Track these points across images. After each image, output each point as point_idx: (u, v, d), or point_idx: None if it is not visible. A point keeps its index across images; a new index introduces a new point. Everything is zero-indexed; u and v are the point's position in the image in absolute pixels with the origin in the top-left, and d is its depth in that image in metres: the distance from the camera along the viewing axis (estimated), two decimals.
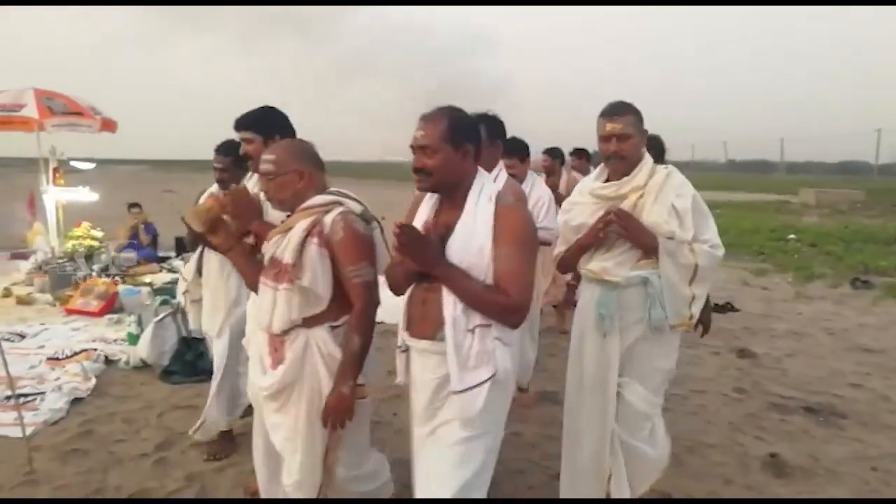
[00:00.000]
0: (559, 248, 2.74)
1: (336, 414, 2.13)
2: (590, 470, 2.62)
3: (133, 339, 4.88)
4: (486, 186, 2.02)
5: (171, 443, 3.56)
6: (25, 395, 3.96)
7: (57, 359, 4.66)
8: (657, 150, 3.08)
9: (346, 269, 2.15)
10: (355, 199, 2.32)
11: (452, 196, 2.03)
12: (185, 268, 3.65)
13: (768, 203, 21.57)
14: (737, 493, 3.15)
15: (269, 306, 2.20)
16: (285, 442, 2.28)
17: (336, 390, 2.13)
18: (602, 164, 2.63)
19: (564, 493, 2.74)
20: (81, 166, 8.66)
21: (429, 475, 2.03)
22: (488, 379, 1.93)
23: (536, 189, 4.09)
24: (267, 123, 2.73)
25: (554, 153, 5.94)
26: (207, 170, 3.68)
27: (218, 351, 3.28)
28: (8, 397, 3.55)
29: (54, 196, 7.88)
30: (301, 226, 2.16)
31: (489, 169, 2.89)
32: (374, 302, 2.20)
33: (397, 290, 2.14)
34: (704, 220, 2.49)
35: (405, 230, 1.89)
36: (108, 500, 3.03)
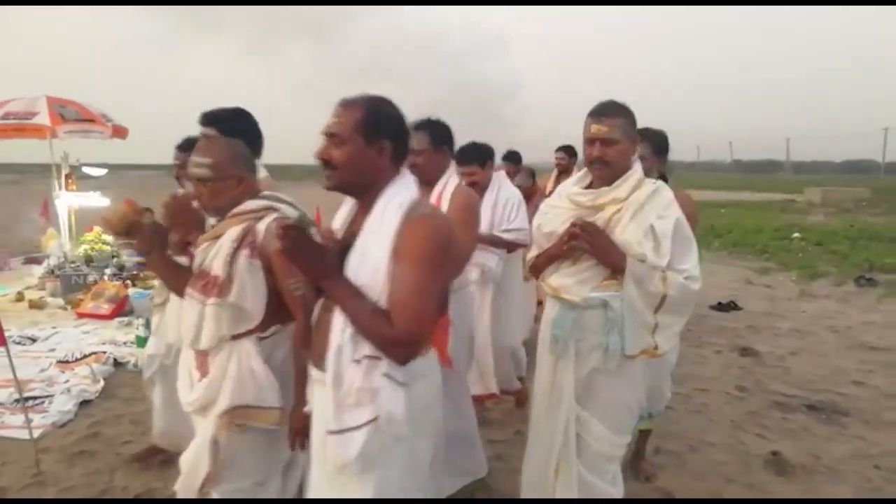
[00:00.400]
0: (532, 253, 2.51)
1: (300, 435, 1.95)
2: (534, 492, 2.46)
3: (141, 342, 4.92)
4: (401, 193, 1.67)
5: None
6: (34, 398, 4.01)
7: (67, 362, 4.71)
8: (660, 147, 3.00)
9: (285, 282, 1.95)
10: (290, 204, 2.12)
11: (363, 200, 1.73)
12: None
13: (774, 202, 21.50)
14: (738, 492, 3.17)
15: (195, 321, 2.00)
16: (188, 454, 2.08)
17: (298, 409, 1.93)
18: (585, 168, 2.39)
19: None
20: (93, 172, 8.74)
21: None
22: (367, 423, 1.59)
23: (504, 191, 3.87)
24: (234, 125, 2.42)
25: (570, 151, 5.89)
26: None
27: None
28: (17, 400, 3.60)
29: (67, 201, 7.98)
30: (231, 235, 1.97)
31: (436, 177, 2.84)
32: None
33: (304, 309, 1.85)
34: (686, 247, 2.23)
35: (289, 232, 1.61)
36: (112, 500, 3.08)
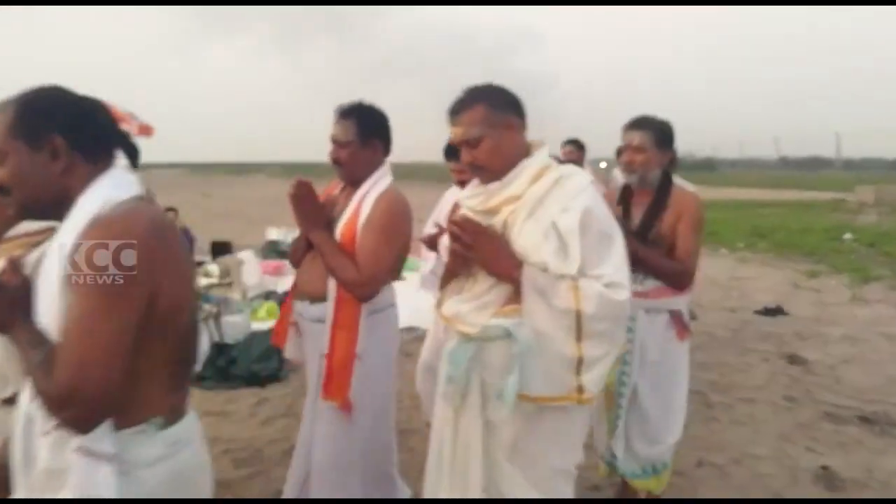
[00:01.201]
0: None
1: None
2: None
3: None
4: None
5: None
6: None
7: None
8: (662, 139, 2.62)
9: None
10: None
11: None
12: None
13: (822, 201, 20.89)
14: None
15: None
16: None
17: None
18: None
19: None
20: None
21: None
22: None
23: (451, 191, 3.53)
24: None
25: (578, 144, 5.34)
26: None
27: None
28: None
29: None
30: None
31: (362, 176, 2.35)
32: None
33: None
34: (604, 244, 1.70)
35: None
36: (112, 500, 3.07)
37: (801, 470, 3.36)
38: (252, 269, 6.92)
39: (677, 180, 2.69)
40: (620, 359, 2.42)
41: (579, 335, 1.64)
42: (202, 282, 7.44)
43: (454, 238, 1.78)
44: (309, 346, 2.43)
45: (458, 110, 1.78)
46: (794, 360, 5.20)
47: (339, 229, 2.31)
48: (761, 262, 10.08)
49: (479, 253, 1.75)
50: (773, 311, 6.78)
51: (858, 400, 4.34)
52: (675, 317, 2.70)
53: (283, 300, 6.17)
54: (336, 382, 2.26)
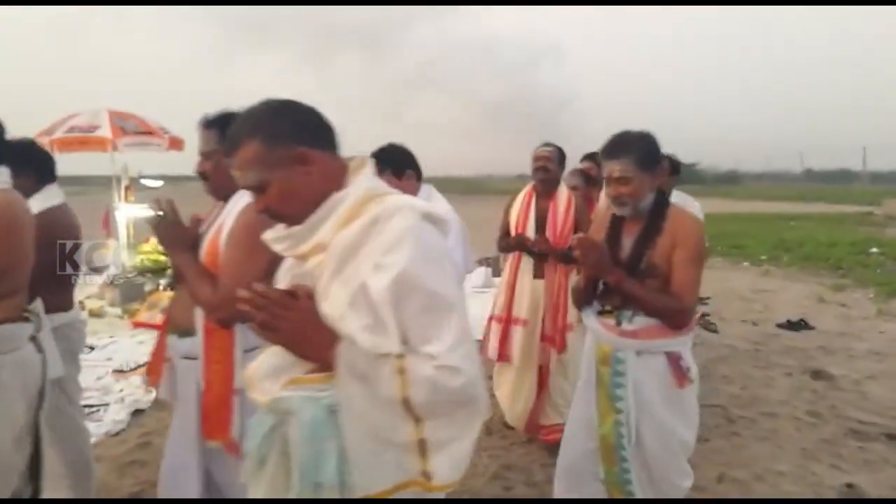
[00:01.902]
0: None
1: None
2: None
3: None
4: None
5: None
6: (90, 406, 4.08)
7: (122, 371, 4.81)
8: (646, 160, 2.25)
9: None
10: None
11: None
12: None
13: (848, 215, 20.53)
14: None
15: None
16: None
17: None
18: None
19: None
20: (151, 184, 9.04)
21: None
22: None
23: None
24: None
25: (596, 158, 4.92)
26: None
27: None
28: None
29: (125, 213, 8.26)
30: None
31: (236, 186, 1.83)
32: None
33: None
34: (433, 315, 1.26)
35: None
36: (111, 500, 3.10)
37: (826, 487, 3.26)
38: None
39: (677, 198, 2.42)
40: (613, 409, 2.29)
41: (417, 418, 1.27)
42: None
43: (255, 307, 1.27)
44: (181, 386, 2.16)
45: (229, 149, 1.36)
46: (818, 374, 5.07)
47: (203, 248, 2.08)
48: (785, 276, 9.91)
49: (283, 335, 1.30)
50: (797, 325, 6.65)
51: (885, 417, 4.22)
52: (673, 360, 2.29)
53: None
54: (214, 422, 2.06)
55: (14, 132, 2.33)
